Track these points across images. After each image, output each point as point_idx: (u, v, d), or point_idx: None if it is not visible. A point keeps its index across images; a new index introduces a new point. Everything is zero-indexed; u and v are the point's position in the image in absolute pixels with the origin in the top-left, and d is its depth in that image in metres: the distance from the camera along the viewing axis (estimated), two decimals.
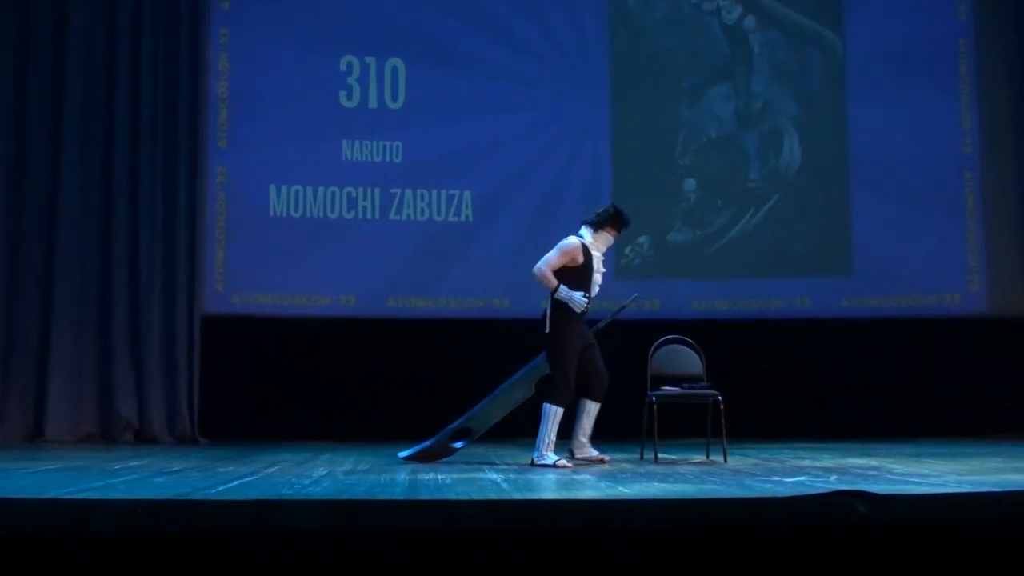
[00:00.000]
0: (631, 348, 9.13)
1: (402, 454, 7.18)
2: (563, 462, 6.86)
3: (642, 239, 11.17)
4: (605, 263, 7.24)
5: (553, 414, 6.94)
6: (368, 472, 6.49)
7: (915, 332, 11.08)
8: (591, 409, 7.21)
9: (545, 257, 7.09)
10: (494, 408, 7.33)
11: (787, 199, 11.34)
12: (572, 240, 7.14)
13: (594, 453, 7.22)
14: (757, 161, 11.41)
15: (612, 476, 6.11)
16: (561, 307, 7.00)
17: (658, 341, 7.70)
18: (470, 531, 3.89)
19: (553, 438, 6.97)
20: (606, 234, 7.26)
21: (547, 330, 7.00)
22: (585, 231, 7.19)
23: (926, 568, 3.91)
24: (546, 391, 7.02)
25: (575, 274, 7.04)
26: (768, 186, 11.35)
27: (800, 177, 11.36)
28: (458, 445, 7.34)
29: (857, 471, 6.39)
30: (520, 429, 7.90)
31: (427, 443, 7.31)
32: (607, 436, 7.62)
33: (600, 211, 7.25)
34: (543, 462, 6.85)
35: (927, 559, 3.91)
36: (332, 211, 10.85)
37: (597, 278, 7.19)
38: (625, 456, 8.03)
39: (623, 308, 7.54)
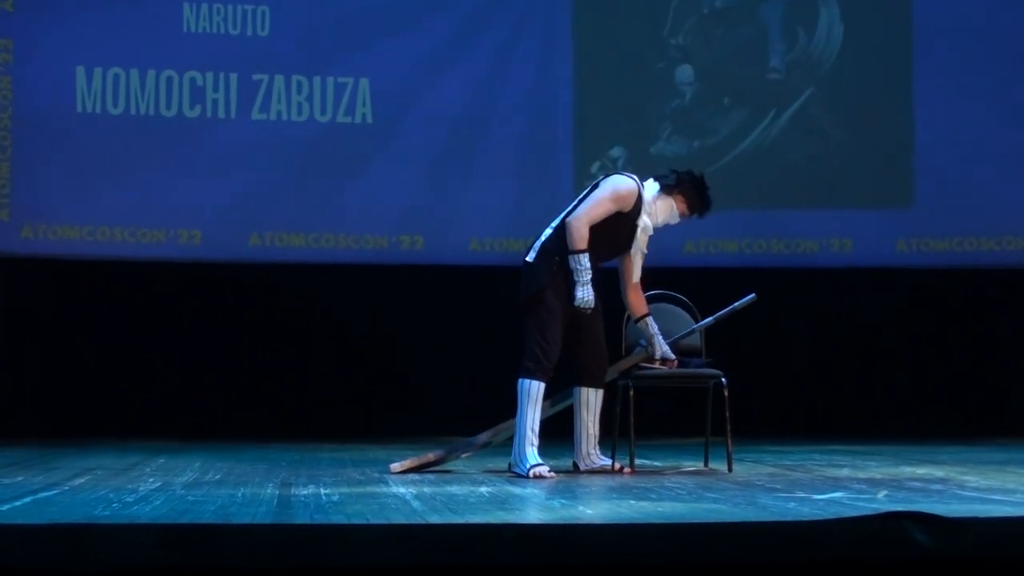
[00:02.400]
0: (604, 310, 9.13)
1: (394, 466, 7.18)
2: (543, 470, 6.88)
3: (615, 151, 11.17)
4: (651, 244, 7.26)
5: (530, 393, 6.95)
6: (220, 484, 6.44)
7: (1001, 289, 11.22)
8: (591, 399, 7.21)
9: (592, 199, 7.01)
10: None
11: (822, 97, 11.38)
12: (629, 182, 7.11)
13: (606, 461, 7.25)
14: (780, 42, 11.43)
15: (569, 491, 6.12)
16: (561, 254, 6.99)
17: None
18: (362, 570, 3.86)
19: (536, 428, 6.99)
20: (673, 203, 7.22)
21: (531, 275, 7.00)
22: (651, 184, 7.17)
23: None
24: (518, 362, 7.02)
25: (607, 227, 7.04)
26: (796, 78, 11.38)
27: (841, 65, 11.40)
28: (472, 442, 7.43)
29: (916, 485, 6.45)
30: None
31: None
32: (561, 435, 7.62)
33: (679, 172, 7.24)
34: (520, 464, 6.90)
35: None
36: (168, 107, 10.72)
37: (635, 251, 7.17)
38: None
39: (733, 309, 7.50)
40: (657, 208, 7.18)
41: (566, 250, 7.00)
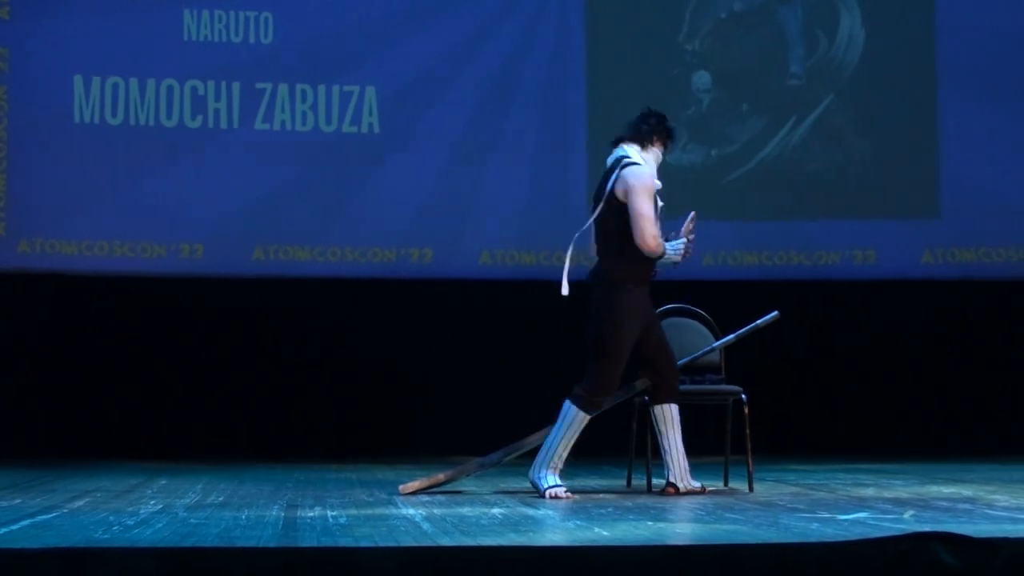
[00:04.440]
0: None
1: (404, 487, 7.18)
2: (562, 491, 6.88)
3: None
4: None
5: (572, 420, 6.94)
6: (224, 506, 6.44)
7: None
8: (675, 415, 7.17)
9: (637, 211, 6.93)
10: (537, 437, 7.39)
11: (844, 104, 11.38)
12: (642, 168, 7.05)
13: (695, 484, 7.22)
14: (800, 47, 11.43)
15: (586, 512, 6.11)
16: (627, 266, 6.96)
17: (658, 311, 7.68)
18: None
19: (564, 453, 6.99)
20: (656, 151, 7.24)
21: (595, 298, 6.98)
22: (630, 149, 7.13)
23: None
24: (581, 383, 6.99)
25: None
26: (816, 84, 11.39)
27: (863, 71, 11.40)
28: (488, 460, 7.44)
29: (943, 504, 6.45)
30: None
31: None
32: (577, 452, 7.60)
33: (641, 121, 7.22)
34: (537, 481, 6.88)
35: None
36: (168, 117, 10.74)
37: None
38: (605, 483, 8.02)
39: (755, 327, 7.49)
40: (651, 165, 7.18)
41: (634, 273, 6.97)
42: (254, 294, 10.77)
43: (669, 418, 7.13)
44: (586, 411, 6.96)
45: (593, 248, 7.24)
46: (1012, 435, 10.96)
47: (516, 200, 10.98)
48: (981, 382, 11.16)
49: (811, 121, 11.32)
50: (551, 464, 6.99)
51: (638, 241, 6.93)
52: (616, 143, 7.24)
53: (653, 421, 7.18)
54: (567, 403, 7.01)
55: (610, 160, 7.18)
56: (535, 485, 6.97)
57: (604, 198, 7.04)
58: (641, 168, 7.02)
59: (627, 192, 6.97)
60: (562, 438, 6.97)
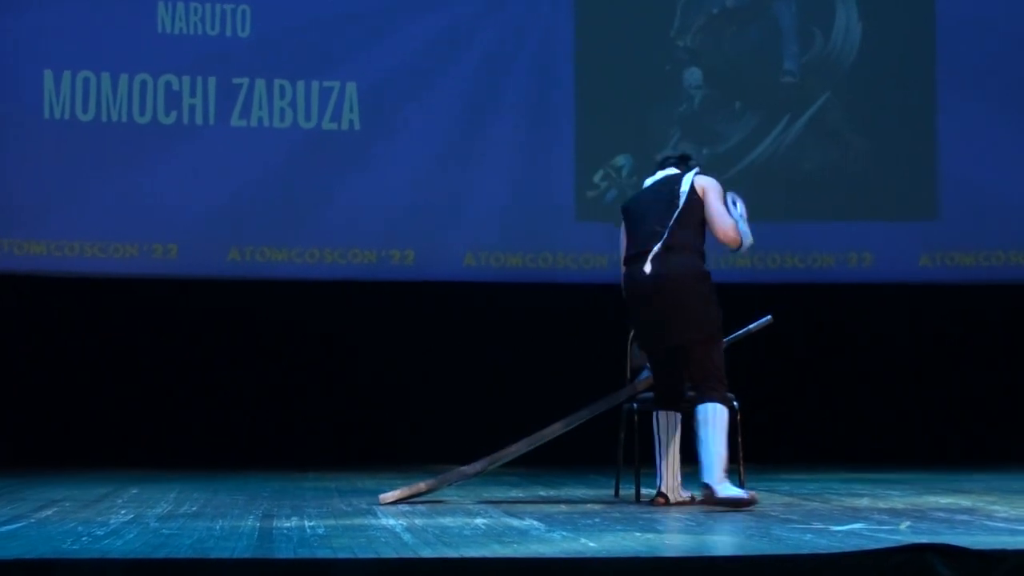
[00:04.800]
0: (602, 329, 9.12)
1: (384, 497, 7.18)
2: (754, 495, 6.88)
3: (620, 160, 11.18)
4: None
5: (722, 420, 6.88)
6: (197, 516, 6.42)
7: None
8: (678, 424, 7.19)
9: (716, 209, 7.03)
10: (522, 446, 7.39)
11: (840, 101, 11.40)
12: (709, 177, 7.22)
13: (685, 495, 7.22)
14: (795, 43, 11.44)
15: (572, 522, 6.11)
16: (703, 262, 7.01)
17: None
18: None
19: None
20: None
21: (691, 302, 6.93)
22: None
23: None
24: (706, 387, 6.91)
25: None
26: (811, 81, 11.40)
27: (860, 68, 11.42)
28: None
29: (941, 515, 6.45)
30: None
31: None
32: (563, 461, 7.61)
33: (688, 158, 7.40)
34: (730, 494, 6.79)
35: None
36: (141, 113, 10.72)
37: None
38: (592, 492, 8.02)
39: (748, 332, 7.53)
40: None
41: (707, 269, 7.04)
42: (229, 296, 10.76)
43: (673, 426, 7.14)
44: (727, 406, 6.92)
45: (629, 249, 7.13)
46: (1012, 444, 10.99)
47: (501, 200, 10.98)
48: (980, 389, 11.18)
49: (806, 119, 11.34)
50: (726, 469, 6.89)
51: (721, 236, 7.06)
52: (662, 165, 7.33)
53: (655, 427, 7.16)
54: (709, 407, 6.85)
55: (659, 176, 7.25)
56: (733, 500, 6.79)
57: (683, 199, 7.06)
58: (708, 178, 7.21)
59: (705, 191, 7.11)
60: (721, 441, 6.86)
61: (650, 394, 7.36)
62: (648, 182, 7.35)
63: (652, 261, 6.95)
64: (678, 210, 7.05)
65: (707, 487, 6.75)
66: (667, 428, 7.15)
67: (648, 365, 7.38)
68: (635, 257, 7.06)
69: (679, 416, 7.16)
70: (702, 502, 6.78)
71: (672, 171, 7.29)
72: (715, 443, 6.77)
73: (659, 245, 6.97)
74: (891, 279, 11.10)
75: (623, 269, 7.20)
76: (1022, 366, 11.21)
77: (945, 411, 11.14)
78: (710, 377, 6.91)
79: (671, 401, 7.16)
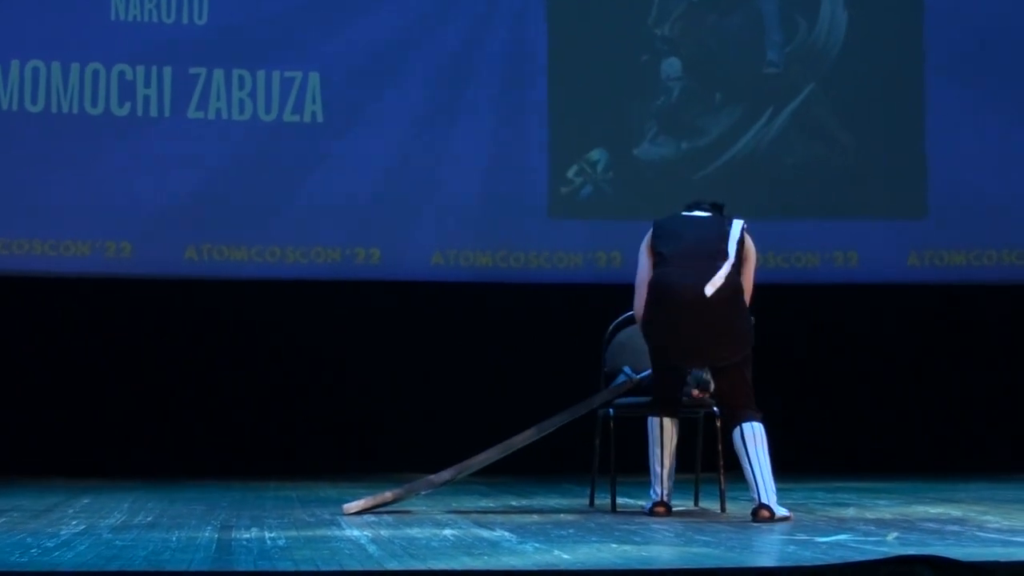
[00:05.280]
0: (576, 332, 9.13)
1: (348, 507, 7.18)
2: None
3: (595, 154, 11.18)
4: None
5: (766, 439, 6.94)
6: (152, 527, 6.41)
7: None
8: (675, 432, 7.24)
9: (751, 278, 7.20)
10: (492, 453, 7.39)
11: (825, 94, 11.42)
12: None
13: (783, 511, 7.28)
14: (778, 32, 11.46)
15: (545, 533, 6.11)
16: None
17: (617, 320, 7.72)
18: None
19: None
20: None
21: (738, 319, 6.98)
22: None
23: None
24: (749, 402, 6.95)
25: None
26: (795, 73, 11.42)
27: (845, 59, 11.44)
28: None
29: (930, 525, 6.47)
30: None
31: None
32: (536, 469, 7.62)
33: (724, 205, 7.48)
34: (783, 513, 6.82)
35: None
36: (93, 104, 10.70)
37: None
38: (566, 502, 8.04)
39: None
40: None
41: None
42: (186, 297, 10.74)
43: (674, 433, 7.15)
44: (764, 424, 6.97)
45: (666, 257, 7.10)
46: (1004, 451, 11.03)
47: (471, 196, 10.98)
48: (971, 394, 11.21)
49: (789, 112, 11.36)
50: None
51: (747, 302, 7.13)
52: (693, 207, 7.34)
53: (653, 433, 7.15)
54: (755, 426, 6.91)
55: (695, 213, 7.26)
56: (779, 513, 6.85)
57: (735, 238, 7.10)
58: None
59: (751, 252, 7.20)
60: (769, 461, 6.91)
61: (628, 400, 7.37)
62: (682, 212, 7.31)
63: (698, 271, 6.96)
64: (733, 244, 7.08)
65: (766, 508, 6.80)
66: (670, 435, 7.15)
67: (625, 369, 7.40)
68: (674, 265, 7.03)
69: (677, 422, 7.18)
70: (759, 521, 6.77)
71: (706, 214, 7.29)
72: (766, 463, 6.89)
73: (706, 255, 7.01)
74: (878, 279, 11.12)
75: (647, 285, 7.08)
76: (1015, 370, 11.24)
77: (934, 417, 11.17)
78: (747, 395, 7.01)
79: (672, 407, 7.17)
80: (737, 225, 7.16)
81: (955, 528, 6.29)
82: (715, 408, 7.27)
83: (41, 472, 10.09)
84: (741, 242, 7.12)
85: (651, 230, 7.19)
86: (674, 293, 6.95)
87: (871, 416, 11.18)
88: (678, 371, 7.12)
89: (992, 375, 11.23)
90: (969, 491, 8.73)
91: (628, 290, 7.35)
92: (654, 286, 7.02)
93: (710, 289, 6.90)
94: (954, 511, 7.23)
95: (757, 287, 7.17)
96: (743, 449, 6.87)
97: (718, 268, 6.95)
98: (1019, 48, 11.30)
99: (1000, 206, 11.17)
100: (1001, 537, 5.86)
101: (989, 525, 6.43)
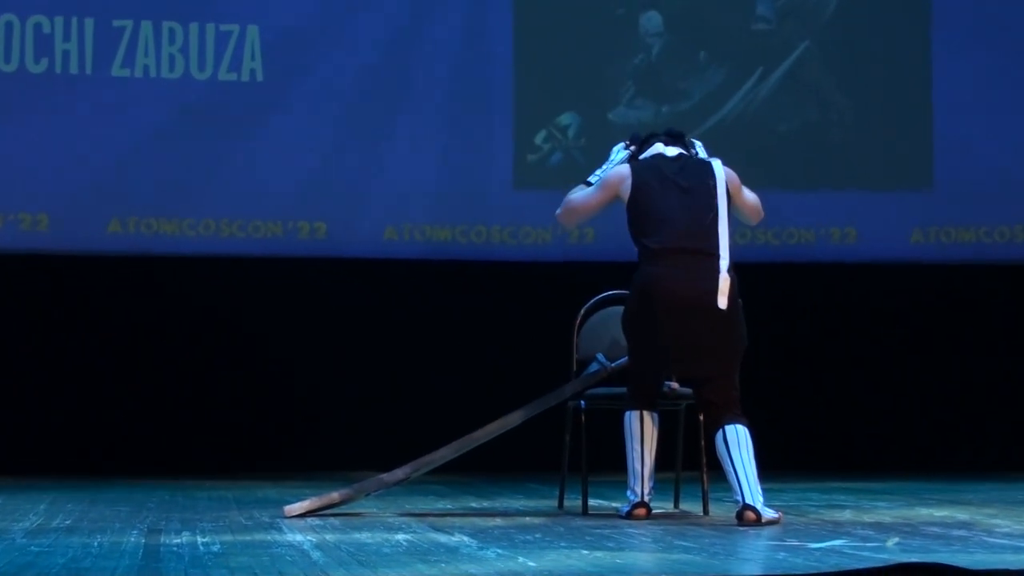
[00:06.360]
0: (545, 314, 9.13)
1: (289, 508, 7.19)
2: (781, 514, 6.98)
3: (565, 118, 11.19)
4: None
5: (751, 441, 6.96)
6: (72, 531, 6.39)
7: None
8: (655, 426, 7.27)
9: (752, 199, 7.34)
10: (451, 450, 7.40)
11: (821, 52, 11.44)
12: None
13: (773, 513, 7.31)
14: None
15: (508, 538, 6.11)
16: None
17: (590, 302, 7.72)
18: None
19: None
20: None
21: (737, 326, 6.97)
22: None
23: None
24: (734, 406, 6.96)
25: None
26: (788, 29, 11.44)
27: (843, 13, 11.46)
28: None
29: (934, 530, 6.48)
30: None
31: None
32: (499, 467, 7.62)
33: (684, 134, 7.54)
34: (770, 516, 6.83)
35: None
36: (6, 60, 10.66)
37: None
38: (531, 504, 8.05)
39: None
40: None
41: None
42: (109, 275, 10.72)
43: (655, 428, 7.16)
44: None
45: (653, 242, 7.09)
46: (1015, 447, 11.07)
47: (427, 165, 10.99)
48: (979, 384, 11.25)
49: (781, 73, 11.38)
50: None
51: (757, 221, 7.50)
52: (648, 142, 7.36)
53: (632, 429, 7.16)
54: (740, 429, 6.91)
55: (669, 154, 7.23)
56: (766, 516, 6.86)
57: (722, 198, 7.09)
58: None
59: (737, 187, 7.23)
60: (754, 463, 6.92)
61: (602, 390, 7.37)
62: (651, 153, 7.26)
63: (695, 271, 6.96)
64: (722, 211, 7.09)
65: (752, 509, 6.79)
66: (650, 430, 7.16)
67: (599, 357, 7.40)
68: (668, 257, 7.00)
69: (657, 416, 7.19)
70: (744, 524, 6.78)
71: (679, 151, 7.28)
72: (752, 466, 6.89)
73: (703, 246, 7.00)
74: (879, 257, 11.16)
75: (637, 288, 7.07)
76: None
77: (939, 410, 11.21)
78: (734, 398, 7.03)
79: (652, 400, 7.18)
80: (719, 170, 7.16)
81: (962, 533, 6.31)
82: None
83: None
84: (726, 186, 7.16)
85: (628, 178, 7.11)
86: (673, 299, 6.92)
87: (869, 409, 11.21)
88: (664, 366, 7.12)
89: (1003, 363, 11.27)
90: (977, 492, 8.78)
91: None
92: (645, 288, 6.99)
93: (723, 300, 6.92)
94: (960, 514, 7.26)
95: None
96: (726, 452, 6.88)
97: (716, 266, 6.96)
98: None
99: (1014, 178, 11.21)
100: (1012, 543, 5.88)
101: (999, 529, 6.45)
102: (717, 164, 7.19)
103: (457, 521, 6.97)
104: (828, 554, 5.43)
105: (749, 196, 7.34)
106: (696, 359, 7.01)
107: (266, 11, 10.91)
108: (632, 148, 7.37)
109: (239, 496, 8.47)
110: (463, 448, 7.47)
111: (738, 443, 6.90)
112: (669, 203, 7.07)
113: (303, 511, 7.18)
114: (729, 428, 6.89)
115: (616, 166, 7.28)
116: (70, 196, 10.63)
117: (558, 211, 7.34)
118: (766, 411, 10.99)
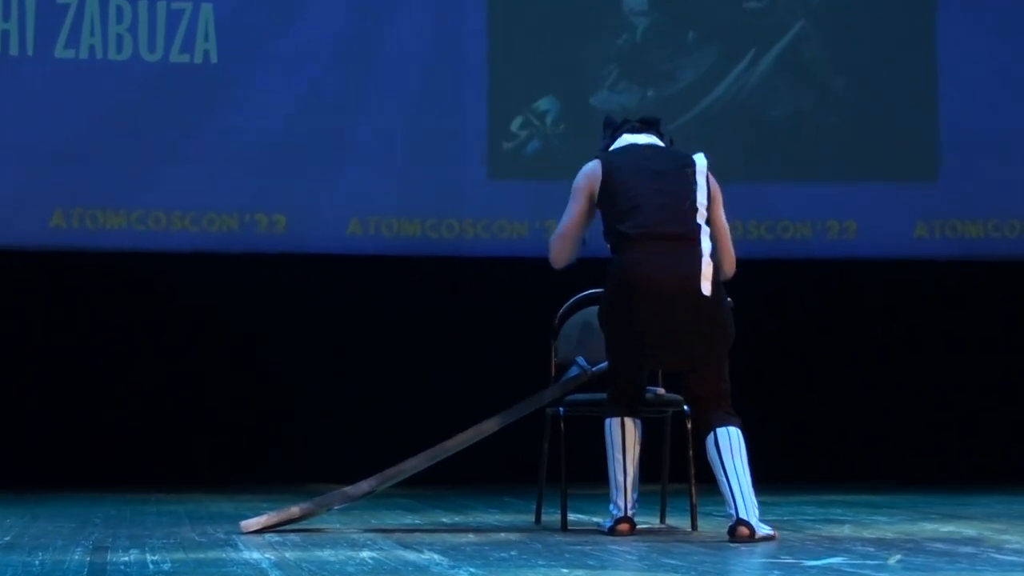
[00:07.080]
0: (521, 314, 9.13)
1: (246, 524, 7.18)
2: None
3: (543, 103, 11.20)
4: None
5: (745, 447, 6.94)
6: (11, 548, 6.40)
7: None
8: (638, 433, 7.27)
9: (725, 223, 7.28)
10: (421, 461, 7.40)
11: (817, 33, 11.45)
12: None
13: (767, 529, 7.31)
14: None
15: (482, 555, 6.13)
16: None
17: (570, 301, 7.72)
18: None
19: None
20: None
21: (722, 314, 6.97)
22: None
23: None
24: (724, 401, 6.94)
25: None
26: (782, 7, 11.45)
27: None
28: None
29: (939, 547, 6.49)
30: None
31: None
32: (471, 479, 7.60)
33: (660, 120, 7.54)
34: (765, 532, 6.82)
35: None
36: None
37: None
38: (508, 519, 8.06)
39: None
40: None
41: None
42: (51, 272, 10.72)
43: (638, 436, 7.15)
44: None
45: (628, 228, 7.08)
46: (1015, 447, 11.09)
47: (394, 154, 10.99)
48: (986, 388, 11.28)
49: (775, 54, 11.40)
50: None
51: (728, 260, 7.22)
52: (622, 129, 7.42)
53: (614, 437, 7.15)
54: (733, 432, 6.90)
55: (641, 142, 7.28)
56: (761, 532, 6.85)
57: (704, 186, 7.14)
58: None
59: (718, 193, 7.26)
60: (748, 472, 6.91)
61: (582, 396, 7.37)
62: (623, 143, 7.27)
63: (674, 256, 6.93)
64: (702, 193, 7.10)
65: (746, 525, 6.77)
66: (633, 439, 7.15)
67: (579, 360, 7.40)
68: (645, 242, 6.97)
69: (641, 424, 7.18)
70: (737, 541, 6.76)
71: (653, 139, 7.27)
72: (744, 473, 6.87)
73: (682, 230, 6.98)
74: (880, 253, 11.19)
75: (612, 279, 7.06)
76: None
77: (944, 416, 11.24)
78: (724, 396, 7.00)
79: (635, 406, 7.17)
80: (701, 164, 7.18)
81: (968, 550, 6.33)
82: (685, 407, 7.27)
83: None
84: (707, 181, 7.18)
85: (597, 174, 7.12)
86: (653, 286, 6.88)
87: (870, 416, 11.24)
88: (641, 354, 7.11)
89: (1013, 367, 11.29)
90: (983, 505, 8.81)
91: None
92: (622, 276, 6.97)
93: (707, 286, 6.90)
94: (967, 529, 7.28)
95: (737, 260, 7.17)
96: (717, 458, 6.86)
97: (698, 251, 6.95)
98: None
99: (1022, 167, 11.23)
100: (1022, 560, 5.90)
101: (1008, 546, 6.46)
102: (699, 155, 7.19)
103: (427, 537, 6.97)
104: (826, 573, 5.46)
105: (721, 215, 7.25)
106: (679, 347, 6.95)
107: None
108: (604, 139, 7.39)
109: (191, 511, 8.47)
110: (434, 458, 7.46)
111: (731, 448, 6.87)
112: (644, 187, 7.04)
113: (261, 527, 7.17)
114: (721, 431, 6.86)
115: (583, 169, 7.27)
116: (9, 187, 10.66)
117: (549, 255, 7.27)
118: (759, 418, 11.03)
